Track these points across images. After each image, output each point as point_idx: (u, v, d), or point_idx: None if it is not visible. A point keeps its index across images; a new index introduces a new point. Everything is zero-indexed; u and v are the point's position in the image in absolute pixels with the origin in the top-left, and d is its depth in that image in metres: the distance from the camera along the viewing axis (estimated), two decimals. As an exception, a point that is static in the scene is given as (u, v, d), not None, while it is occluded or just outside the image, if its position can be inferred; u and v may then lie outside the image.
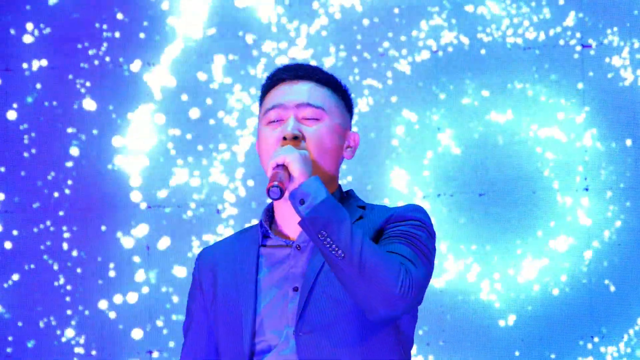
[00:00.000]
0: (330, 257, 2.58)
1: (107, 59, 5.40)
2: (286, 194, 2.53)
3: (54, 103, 5.40)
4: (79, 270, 5.31)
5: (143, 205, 5.26)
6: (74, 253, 5.30)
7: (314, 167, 2.67)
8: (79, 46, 5.42)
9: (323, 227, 2.57)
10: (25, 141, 5.38)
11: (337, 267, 2.59)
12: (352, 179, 5.08)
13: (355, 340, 2.70)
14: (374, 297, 2.57)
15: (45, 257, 5.26)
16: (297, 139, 2.67)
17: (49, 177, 5.38)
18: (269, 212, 2.88)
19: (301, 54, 5.28)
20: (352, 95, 2.82)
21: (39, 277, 5.31)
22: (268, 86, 2.83)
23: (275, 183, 2.50)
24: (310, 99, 2.74)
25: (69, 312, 5.29)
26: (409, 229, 2.68)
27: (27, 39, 5.50)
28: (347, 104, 2.82)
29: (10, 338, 5.30)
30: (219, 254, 2.97)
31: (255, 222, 3.16)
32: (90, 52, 5.41)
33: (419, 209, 2.72)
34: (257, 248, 2.86)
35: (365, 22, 5.18)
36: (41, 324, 5.32)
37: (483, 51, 5.05)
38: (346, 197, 2.82)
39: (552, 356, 4.86)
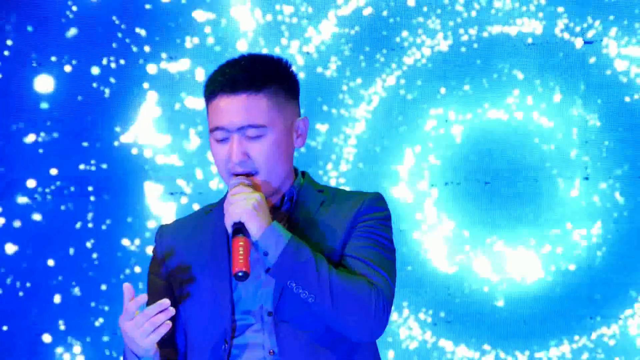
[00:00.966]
0: (303, 299, 2.70)
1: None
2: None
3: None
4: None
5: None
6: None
7: (265, 183, 2.77)
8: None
9: (289, 277, 2.67)
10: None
11: (311, 306, 2.72)
12: (363, 166, 5.15)
13: (331, 334, 2.82)
14: (351, 327, 2.68)
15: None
16: (251, 184, 2.77)
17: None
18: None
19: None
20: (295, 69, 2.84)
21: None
22: (209, 93, 2.86)
23: (240, 272, 2.62)
24: (250, 119, 2.78)
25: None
26: (378, 228, 2.79)
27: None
28: (290, 89, 2.86)
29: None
30: (183, 233, 3.05)
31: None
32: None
33: (382, 200, 2.83)
34: (226, 232, 2.90)
35: (376, 15, 5.19)
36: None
37: (489, 45, 5.12)
38: (304, 183, 2.89)
39: (552, 340, 4.98)
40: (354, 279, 2.65)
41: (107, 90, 5.43)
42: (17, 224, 5.60)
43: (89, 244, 5.45)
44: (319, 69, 5.46)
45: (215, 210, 2.91)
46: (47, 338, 5.55)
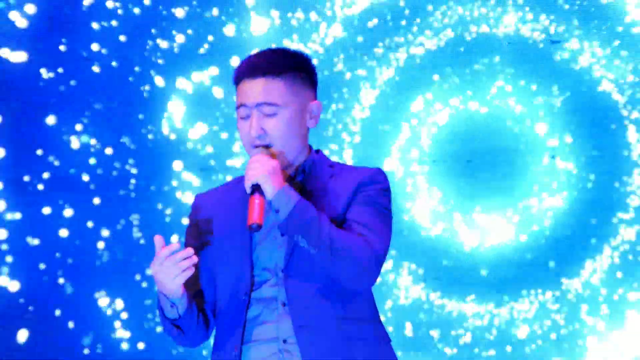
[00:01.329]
0: (307, 249, 2.95)
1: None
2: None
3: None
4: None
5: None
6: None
7: (281, 154, 3.01)
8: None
9: (296, 231, 2.91)
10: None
11: (314, 255, 2.95)
12: (365, 146, 5.74)
13: (333, 283, 3.07)
14: (346, 276, 2.93)
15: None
16: (267, 150, 3.03)
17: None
18: None
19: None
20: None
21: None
22: (236, 80, 3.15)
23: (254, 224, 2.91)
24: (266, 98, 3.02)
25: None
26: (377, 197, 3.08)
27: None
28: (307, 76, 3.10)
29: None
30: (213, 200, 3.30)
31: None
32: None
33: (383, 173, 3.11)
34: (246, 199, 3.13)
35: (375, 21, 5.73)
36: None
37: (473, 44, 5.68)
38: (317, 159, 3.12)
39: (524, 291, 5.56)
40: (350, 236, 2.90)
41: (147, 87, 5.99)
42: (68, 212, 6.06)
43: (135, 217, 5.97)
44: (332, 61, 5.93)
45: (243, 180, 3.11)
46: (103, 298, 6.06)
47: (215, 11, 6.01)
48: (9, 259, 6.12)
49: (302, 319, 2.98)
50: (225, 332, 3.05)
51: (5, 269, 6.14)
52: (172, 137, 6.04)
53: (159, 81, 6.05)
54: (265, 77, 3.02)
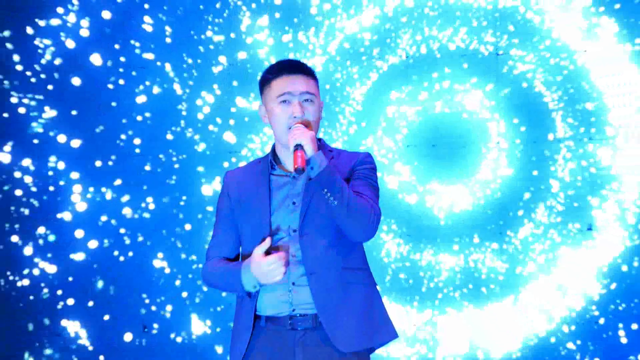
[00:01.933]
0: (327, 204, 3.32)
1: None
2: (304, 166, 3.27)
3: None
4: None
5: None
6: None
7: (313, 129, 3.36)
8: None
9: (324, 186, 3.28)
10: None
11: (331, 209, 3.32)
12: (355, 134, 6.59)
13: (340, 239, 3.48)
14: (356, 229, 3.34)
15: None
16: (305, 124, 3.38)
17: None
18: (274, 152, 3.61)
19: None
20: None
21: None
22: (275, 75, 3.49)
23: (299, 168, 3.23)
24: (308, 89, 3.44)
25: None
26: (369, 173, 3.51)
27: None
28: (317, 82, 3.50)
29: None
30: (241, 175, 3.65)
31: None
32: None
33: (371, 157, 3.55)
34: (268, 175, 3.54)
35: (367, 35, 6.55)
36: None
37: (438, 55, 6.54)
38: (321, 145, 3.47)
39: (476, 240, 6.42)
40: (361, 199, 3.33)
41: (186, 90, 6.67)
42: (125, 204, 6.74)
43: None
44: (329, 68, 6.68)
45: (262, 160, 3.60)
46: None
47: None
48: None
49: (312, 267, 3.40)
50: None
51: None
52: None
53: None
54: (304, 75, 3.49)
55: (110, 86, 6.84)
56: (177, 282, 6.79)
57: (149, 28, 6.79)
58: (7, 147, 6.90)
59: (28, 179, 6.88)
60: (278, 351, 3.47)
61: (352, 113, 6.62)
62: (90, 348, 6.87)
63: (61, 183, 6.92)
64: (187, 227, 6.71)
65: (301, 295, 3.43)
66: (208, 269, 3.58)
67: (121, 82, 6.83)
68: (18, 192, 6.91)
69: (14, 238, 6.88)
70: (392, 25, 6.61)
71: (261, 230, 3.45)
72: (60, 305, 6.84)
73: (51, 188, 6.88)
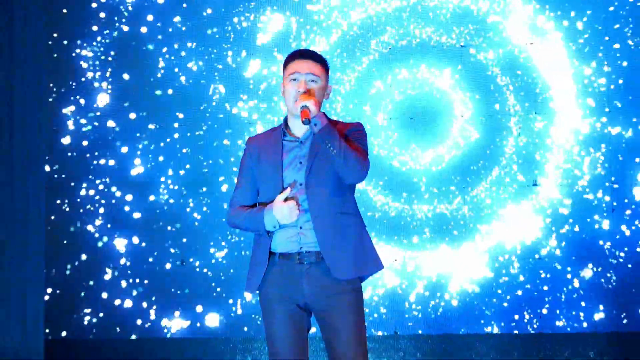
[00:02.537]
0: (328, 153, 3.57)
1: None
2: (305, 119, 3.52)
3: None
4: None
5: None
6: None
7: (316, 104, 3.56)
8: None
9: (325, 138, 3.56)
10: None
11: (332, 157, 3.59)
12: (349, 108, 7.09)
13: (337, 190, 3.73)
14: (351, 173, 3.62)
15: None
16: (309, 93, 3.62)
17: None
18: (286, 122, 3.83)
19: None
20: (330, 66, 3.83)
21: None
22: (290, 60, 3.76)
23: (306, 119, 3.52)
24: (313, 71, 3.69)
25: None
26: (360, 136, 3.77)
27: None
28: (327, 70, 3.75)
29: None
30: (259, 140, 3.86)
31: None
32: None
33: (362, 125, 3.80)
34: (280, 140, 3.77)
35: (354, 33, 7.13)
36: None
37: (414, 46, 7.11)
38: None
39: (445, 193, 7.01)
40: (355, 151, 3.60)
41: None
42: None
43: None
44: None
45: (276, 129, 3.86)
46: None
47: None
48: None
49: (316, 212, 3.70)
50: None
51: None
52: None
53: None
54: (312, 60, 3.76)
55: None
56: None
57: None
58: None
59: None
60: (288, 280, 3.73)
61: (347, 92, 7.24)
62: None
63: (123, 150, 7.40)
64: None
65: (306, 236, 3.71)
66: (233, 213, 3.85)
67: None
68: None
69: (83, 192, 7.44)
70: (377, 23, 7.27)
71: (275, 184, 3.74)
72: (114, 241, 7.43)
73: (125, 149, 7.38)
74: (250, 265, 3.80)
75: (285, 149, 3.76)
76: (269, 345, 3.80)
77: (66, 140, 7.46)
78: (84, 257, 7.51)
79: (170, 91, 7.38)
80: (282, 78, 3.79)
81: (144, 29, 7.44)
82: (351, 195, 3.81)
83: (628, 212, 7.09)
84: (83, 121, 7.48)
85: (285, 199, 3.62)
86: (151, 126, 7.39)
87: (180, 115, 7.35)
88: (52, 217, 7.48)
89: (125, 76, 7.46)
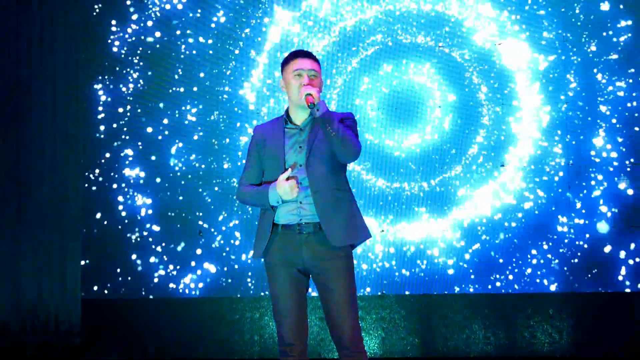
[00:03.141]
0: (328, 136, 3.81)
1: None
2: (309, 104, 3.79)
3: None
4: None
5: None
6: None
7: (318, 94, 3.87)
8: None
9: (326, 122, 3.83)
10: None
11: (330, 140, 3.83)
12: (344, 101, 7.49)
13: (333, 169, 3.98)
14: (346, 153, 3.89)
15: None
16: (312, 85, 3.90)
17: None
18: (287, 112, 4.11)
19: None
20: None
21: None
22: (292, 58, 4.02)
23: (310, 103, 3.80)
24: (314, 68, 4.00)
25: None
26: (352, 124, 4.04)
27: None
28: (320, 67, 4.06)
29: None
30: (264, 128, 4.12)
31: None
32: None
33: (353, 114, 4.07)
34: (283, 128, 4.07)
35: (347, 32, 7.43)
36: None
37: (398, 46, 7.45)
38: None
39: (423, 172, 7.29)
40: (350, 135, 3.86)
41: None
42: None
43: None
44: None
45: (279, 118, 4.11)
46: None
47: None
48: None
49: (315, 187, 3.94)
50: None
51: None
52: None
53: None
54: (312, 59, 4.05)
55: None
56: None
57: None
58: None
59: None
60: (289, 247, 3.99)
61: (342, 83, 7.58)
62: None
63: (149, 130, 7.71)
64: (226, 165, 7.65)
65: (305, 210, 3.99)
66: (242, 190, 4.08)
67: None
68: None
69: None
70: (367, 27, 7.58)
71: (278, 165, 4.02)
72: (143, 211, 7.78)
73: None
74: (257, 235, 4.04)
75: (286, 135, 4.03)
76: (273, 304, 4.05)
77: (101, 115, 7.88)
78: (114, 224, 7.89)
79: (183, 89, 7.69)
80: (281, 74, 4.07)
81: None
82: (344, 174, 4.04)
83: (584, 190, 7.49)
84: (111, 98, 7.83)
85: (287, 178, 3.89)
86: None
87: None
88: (86, 185, 7.91)
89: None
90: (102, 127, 7.82)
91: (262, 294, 7.78)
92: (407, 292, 7.63)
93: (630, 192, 7.47)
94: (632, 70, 7.51)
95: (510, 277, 7.49)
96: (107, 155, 7.84)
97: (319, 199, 3.88)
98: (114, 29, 7.77)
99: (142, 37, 7.72)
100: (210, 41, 7.66)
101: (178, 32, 7.66)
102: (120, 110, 7.84)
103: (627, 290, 7.43)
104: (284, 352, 3.99)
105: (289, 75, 3.97)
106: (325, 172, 3.94)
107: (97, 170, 7.89)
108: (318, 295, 4.04)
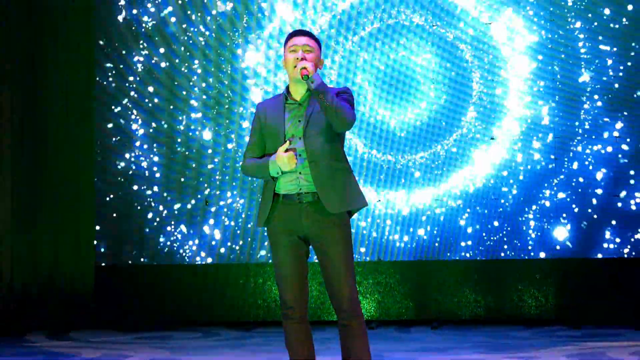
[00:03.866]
0: (323, 106, 3.82)
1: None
2: (302, 77, 3.81)
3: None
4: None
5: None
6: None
7: (312, 67, 3.89)
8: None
9: (321, 92, 3.85)
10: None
11: (326, 109, 3.84)
12: (343, 80, 7.89)
13: (329, 140, 3.99)
14: (341, 122, 3.89)
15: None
16: (305, 59, 3.90)
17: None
18: (287, 88, 4.10)
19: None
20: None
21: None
22: (289, 37, 4.05)
23: (304, 75, 3.83)
24: (308, 43, 4.03)
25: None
26: (347, 97, 4.05)
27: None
28: (319, 45, 4.08)
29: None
30: (266, 104, 4.14)
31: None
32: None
33: (349, 88, 4.08)
34: (283, 103, 4.04)
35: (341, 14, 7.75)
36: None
37: (395, 28, 7.78)
38: None
39: (416, 146, 7.60)
40: (345, 105, 3.92)
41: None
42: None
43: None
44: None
45: (281, 94, 4.12)
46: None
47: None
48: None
49: (312, 158, 3.96)
50: None
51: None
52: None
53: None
54: (307, 36, 4.08)
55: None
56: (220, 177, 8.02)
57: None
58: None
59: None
60: (290, 216, 4.02)
61: (339, 64, 8.01)
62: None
63: (155, 101, 8.03)
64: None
65: (304, 180, 4.00)
66: (245, 163, 4.14)
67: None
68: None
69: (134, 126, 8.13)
70: (363, 9, 7.97)
71: (278, 138, 4.05)
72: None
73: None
74: (260, 205, 4.06)
75: (287, 109, 4.06)
76: (275, 270, 4.09)
77: (113, 83, 8.24)
78: (126, 193, 8.23)
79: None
80: (283, 52, 4.13)
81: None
82: (341, 145, 4.08)
83: (565, 159, 7.89)
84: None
85: (286, 150, 3.93)
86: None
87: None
88: (98, 151, 8.27)
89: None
90: (112, 84, 8.21)
91: (265, 260, 8.10)
92: (402, 259, 7.94)
93: (621, 158, 7.90)
94: (615, 49, 7.87)
95: (500, 244, 7.84)
96: (122, 121, 8.18)
97: (316, 169, 3.93)
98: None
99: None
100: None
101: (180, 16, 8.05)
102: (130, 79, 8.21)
103: (604, 257, 7.82)
104: (285, 315, 4.09)
105: (286, 52, 4.04)
106: (323, 143, 3.98)
107: (112, 140, 8.26)
108: (318, 261, 4.11)
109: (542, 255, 7.89)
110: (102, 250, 8.25)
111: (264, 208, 4.01)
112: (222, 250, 8.12)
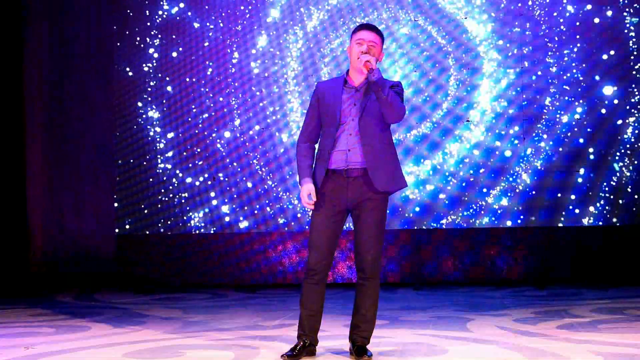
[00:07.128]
0: (380, 98, 3.93)
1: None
2: (366, 69, 3.93)
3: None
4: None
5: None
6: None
7: (374, 61, 4.00)
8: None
9: (380, 85, 3.94)
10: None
11: (381, 101, 3.94)
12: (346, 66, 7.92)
13: (380, 126, 4.08)
14: (394, 115, 3.99)
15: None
16: (369, 53, 4.00)
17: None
18: (347, 73, 4.20)
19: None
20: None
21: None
22: (358, 30, 4.13)
23: (371, 68, 3.91)
24: (373, 39, 4.10)
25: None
26: (401, 91, 4.13)
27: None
28: (383, 41, 4.17)
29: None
30: (325, 86, 4.23)
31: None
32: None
33: (401, 83, 4.14)
34: (342, 87, 4.14)
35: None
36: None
37: (386, 22, 7.92)
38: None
39: (412, 122, 7.76)
40: (399, 100, 4.01)
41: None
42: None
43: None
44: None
45: (341, 78, 4.19)
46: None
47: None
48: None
49: (365, 139, 4.08)
50: (325, 145, 4.17)
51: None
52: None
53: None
54: (373, 32, 4.17)
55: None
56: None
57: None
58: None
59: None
60: (338, 187, 4.13)
61: (343, 50, 8.16)
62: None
63: (168, 87, 8.09)
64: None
65: (352, 157, 4.11)
66: (299, 151, 4.24)
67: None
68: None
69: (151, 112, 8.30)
70: (358, 5, 8.22)
71: (334, 118, 4.12)
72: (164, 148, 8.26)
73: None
74: (313, 177, 4.17)
75: (344, 92, 4.16)
76: (310, 231, 4.19)
77: (131, 66, 8.42)
78: (142, 168, 8.37)
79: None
80: (349, 43, 4.22)
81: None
82: (389, 132, 4.19)
83: (536, 138, 8.00)
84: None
85: (310, 194, 4.15)
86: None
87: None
88: (118, 133, 8.37)
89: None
90: (130, 73, 8.38)
91: (267, 230, 8.28)
92: (398, 227, 8.04)
93: (582, 142, 7.96)
94: (578, 45, 7.98)
95: (474, 214, 7.96)
96: (139, 103, 8.29)
97: (369, 150, 4.04)
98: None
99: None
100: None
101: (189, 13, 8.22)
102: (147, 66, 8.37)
103: (569, 225, 7.92)
104: (307, 275, 4.18)
105: (353, 42, 4.12)
106: (375, 127, 4.08)
107: (130, 116, 8.38)
108: (352, 226, 4.22)
109: (512, 223, 7.97)
110: (122, 220, 8.36)
111: (317, 180, 4.14)
112: (227, 219, 8.33)
